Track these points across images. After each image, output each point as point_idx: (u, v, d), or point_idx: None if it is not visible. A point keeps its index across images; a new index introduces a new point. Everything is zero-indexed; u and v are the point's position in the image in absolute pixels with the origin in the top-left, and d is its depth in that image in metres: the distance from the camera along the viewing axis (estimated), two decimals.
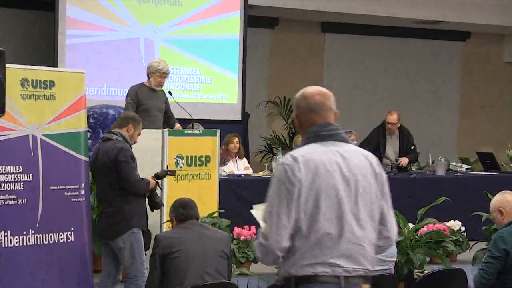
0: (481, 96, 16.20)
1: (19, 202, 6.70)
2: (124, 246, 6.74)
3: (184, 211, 6.04)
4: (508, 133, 15.48)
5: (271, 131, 14.17)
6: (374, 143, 10.91)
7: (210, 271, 5.78)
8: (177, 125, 8.75)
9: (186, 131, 8.33)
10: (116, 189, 6.76)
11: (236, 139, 10.33)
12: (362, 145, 10.29)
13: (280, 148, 11.38)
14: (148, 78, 8.68)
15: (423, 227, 8.51)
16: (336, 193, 3.63)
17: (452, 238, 8.87)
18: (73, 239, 7.00)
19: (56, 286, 6.89)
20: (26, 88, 6.83)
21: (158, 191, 7.10)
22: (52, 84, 7.00)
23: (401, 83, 15.48)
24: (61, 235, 6.93)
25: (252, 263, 8.03)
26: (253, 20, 12.87)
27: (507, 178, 10.79)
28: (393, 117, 11.05)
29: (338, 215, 3.62)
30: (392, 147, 11.09)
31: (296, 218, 3.59)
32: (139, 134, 7.03)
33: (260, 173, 10.16)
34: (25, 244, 6.69)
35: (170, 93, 8.84)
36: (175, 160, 7.95)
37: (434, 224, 8.65)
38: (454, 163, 11.85)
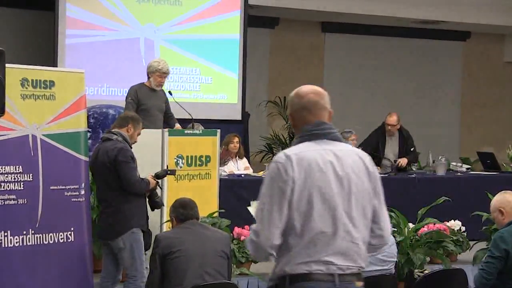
0: (481, 96, 16.19)
1: (19, 202, 6.69)
2: (124, 246, 6.73)
3: (184, 211, 6.04)
4: (508, 133, 15.46)
5: (271, 131, 14.15)
6: (373, 144, 10.91)
7: (210, 271, 5.78)
8: (177, 125, 8.75)
9: (186, 131, 8.33)
10: (116, 189, 6.75)
11: (236, 139, 10.32)
12: (361, 146, 10.29)
13: (280, 148, 11.38)
14: (148, 78, 8.67)
15: (423, 227, 8.49)
16: (330, 192, 3.64)
17: (452, 238, 8.86)
18: (73, 239, 6.99)
19: (56, 286, 6.87)
20: (26, 88, 6.82)
21: (158, 191, 7.09)
22: (52, 84, 6.99)
23: (401, 83, 15.47)
24: (61, 235, 6.92)
25: (252, 263, 8.02)
26: (253, 20, 12.86)
27: (507, 178, 10.78)
28: (392, 119, 11.05)
29: (332, 213, 3.64)
30: (391, 149, 11.08)
31: (288, 216, 3.60)
32: (139, 134, 7.01)
33: (260, 173, 10.14)
34: (25, 244, 6.68)
35: (170, 93, 8.84)
36: (175, 160, 7.95)
37: (434, 224, 8.64)
38: (454, 163, 11.84)
